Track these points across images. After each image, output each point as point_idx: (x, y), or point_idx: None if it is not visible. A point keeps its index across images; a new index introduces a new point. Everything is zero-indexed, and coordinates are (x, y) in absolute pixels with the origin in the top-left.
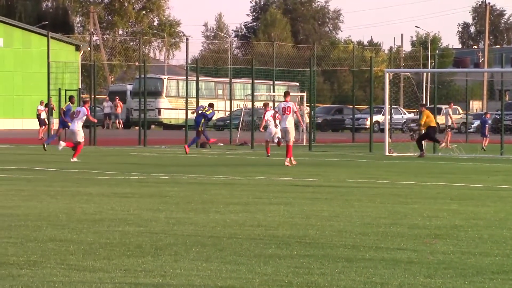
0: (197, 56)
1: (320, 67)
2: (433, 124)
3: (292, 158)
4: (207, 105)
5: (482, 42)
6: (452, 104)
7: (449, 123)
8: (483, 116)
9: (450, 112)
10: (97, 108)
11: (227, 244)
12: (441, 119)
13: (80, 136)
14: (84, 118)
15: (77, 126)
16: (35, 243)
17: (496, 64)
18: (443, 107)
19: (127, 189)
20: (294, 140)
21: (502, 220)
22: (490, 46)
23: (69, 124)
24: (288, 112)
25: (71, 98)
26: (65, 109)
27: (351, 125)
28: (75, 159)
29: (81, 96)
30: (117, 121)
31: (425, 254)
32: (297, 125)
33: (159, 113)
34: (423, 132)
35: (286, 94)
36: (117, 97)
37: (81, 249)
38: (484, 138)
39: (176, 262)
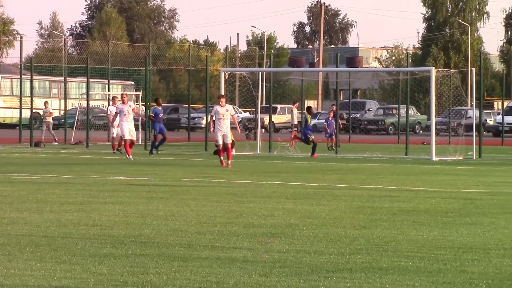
0: (31, 55)
1: (155, 66)
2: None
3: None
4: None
5: (317, 41)
6: (297, 104)
7: (295, 122)
8: (327, 117)
9: (295, 111)
10: None
11: (61, 244)
12: (280, 118)
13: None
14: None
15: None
16: None
17: (331, 64)
18: (279, 106)
19: None
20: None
21: (336, 218)
22: (325, 46)
23: None
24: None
25: (156, 100)
26: (153, 114)
27: (186, 124)
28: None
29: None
30: None
31: (261, 252)
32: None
33: None
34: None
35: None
36: None
37: None
38: (330, 138)
39: (9, 262)
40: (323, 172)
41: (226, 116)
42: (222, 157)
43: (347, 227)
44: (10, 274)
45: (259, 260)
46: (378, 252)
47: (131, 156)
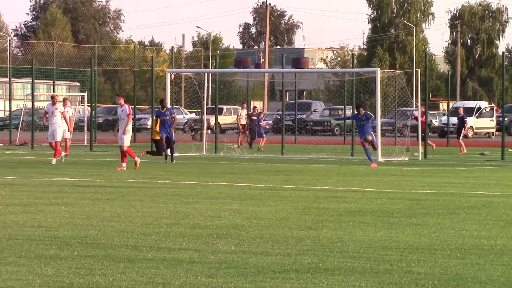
0: None
1: (101, 67)
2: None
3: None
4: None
5: (263, 42)
6: (245, 105)
7: (243, 123)
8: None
9: (243, 113)
10: None
11: (6, 246)
12: (226, 119)
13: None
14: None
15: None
16: None
17: (276, 65)
18: (225, 107)
19: None
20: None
21: (283, 219)
22: (270, 46)
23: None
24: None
25: (161, 102)
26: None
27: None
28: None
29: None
30: None
31: (207, 253)
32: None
33: None
34: None
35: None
36: None
37: None
38: (261, 139)
39: None
40: (269, 173)
41: (123, 117)
42: (124, 161)
43: (293, 228)
44: None
45: (205, 261)
46: (324, 253)
47: (55, 160)
